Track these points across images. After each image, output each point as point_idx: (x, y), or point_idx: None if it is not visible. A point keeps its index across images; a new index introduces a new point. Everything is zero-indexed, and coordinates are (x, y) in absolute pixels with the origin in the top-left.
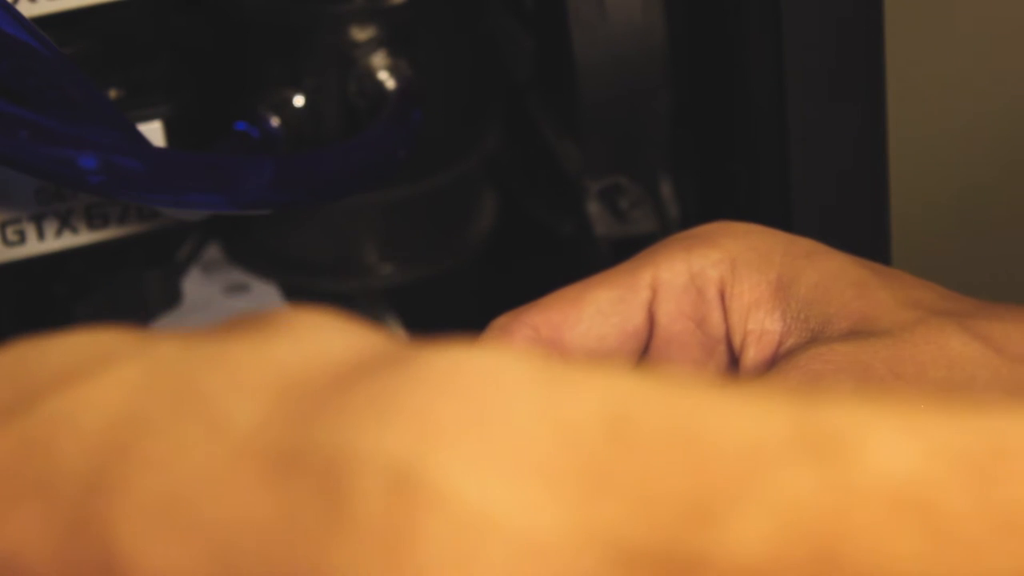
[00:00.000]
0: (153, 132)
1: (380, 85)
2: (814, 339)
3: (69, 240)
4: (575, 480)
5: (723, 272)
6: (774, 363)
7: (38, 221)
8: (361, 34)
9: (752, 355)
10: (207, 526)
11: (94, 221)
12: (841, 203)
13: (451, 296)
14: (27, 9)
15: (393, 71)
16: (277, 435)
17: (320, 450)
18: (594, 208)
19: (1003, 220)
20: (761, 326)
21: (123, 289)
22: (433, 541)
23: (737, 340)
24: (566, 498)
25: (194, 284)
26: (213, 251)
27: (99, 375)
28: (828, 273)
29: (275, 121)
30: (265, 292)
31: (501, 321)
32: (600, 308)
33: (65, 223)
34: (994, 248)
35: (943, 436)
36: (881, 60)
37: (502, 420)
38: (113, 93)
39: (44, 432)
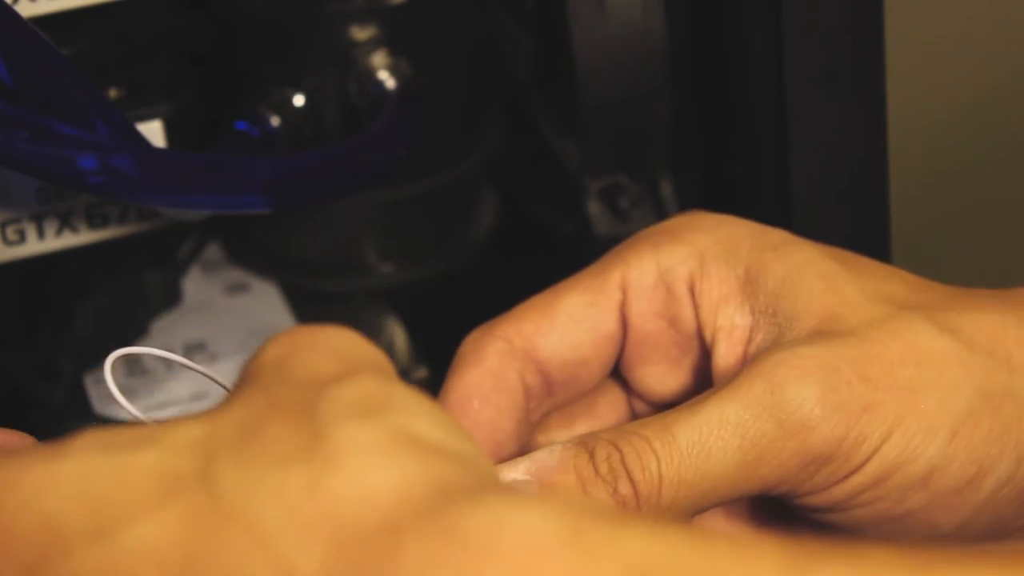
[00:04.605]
0: (153, 132)
1: (380, 85)
2: (781, 336)
3: (69, 240)
4: None
5: (691, 268)
6: (745, 359)
7: (38, 220)
8: (361, 34)
9: (723, 351)
10: None
11: (94, 221)
12: (841, 203)
13: (451, 296)
14: (27, 9)
15: (393, 71)
16: None
17: None
18: (594, 207)
19: (1003, 219)
20: (731, 321)
21: (123, 289)
22: None
23: (708, 336)
24: None
25: (194, 284)
26: (213, 251)
27: (169, 505)
28: (795, 266)
29: (275, 121)
30: (265, 292)
31: (474, 336)
32: (572, 314)
33: (65, 222)
34: (994, 248)
35: None
36: (881, 60)
37: None
38: (113, 93)
39: (127, 562)
